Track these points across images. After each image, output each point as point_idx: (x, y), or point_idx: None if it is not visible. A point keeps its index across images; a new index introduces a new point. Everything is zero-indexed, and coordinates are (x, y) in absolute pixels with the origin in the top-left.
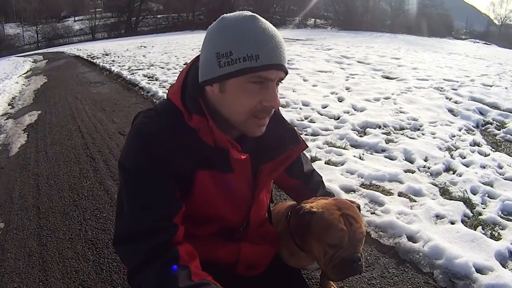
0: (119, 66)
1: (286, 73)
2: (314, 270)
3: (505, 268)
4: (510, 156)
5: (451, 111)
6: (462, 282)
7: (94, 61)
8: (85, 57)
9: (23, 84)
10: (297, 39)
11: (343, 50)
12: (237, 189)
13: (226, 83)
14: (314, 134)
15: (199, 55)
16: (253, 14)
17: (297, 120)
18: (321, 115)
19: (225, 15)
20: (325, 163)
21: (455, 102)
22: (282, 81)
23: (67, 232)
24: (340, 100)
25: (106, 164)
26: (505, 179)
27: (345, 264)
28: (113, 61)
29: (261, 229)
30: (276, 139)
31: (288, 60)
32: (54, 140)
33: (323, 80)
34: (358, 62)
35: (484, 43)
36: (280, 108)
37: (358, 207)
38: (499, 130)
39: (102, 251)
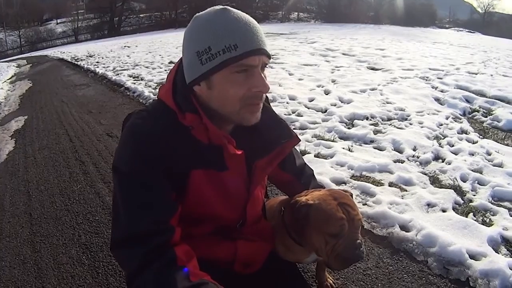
0: (104, 67)
1: (269, 56)
2: (310, 262)
3: (498, 253)
4: (498, 142)
5: (437, 100)
6: (456, 269)
7: (78, 63)
8: (69, 60)
9: (8, 90)
10: (280, 33)
11: (328, 43)
12: (232, 186)
13: (212, 79)
14: (302, 127)
15: None
16: (223, 6)
17: (285, 114)
18: (308, 108)
19: (197, 14)
20: (315, 156)
21: (441, 91)
22: (268, 65)
23: (61, 238)
24: (327, 93)
25: (96, 166)
26: (494, 166)
27: (348, 252)
28: (97, 62)
29: (257, 226)
30: (269, 134)
31: (273, 55)
32: (42, 145)
33: (309, 74)
34: (343, 54)
35: (468, 31)
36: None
37: (351, 195)
38: (486, 117)
39: (97, 254)
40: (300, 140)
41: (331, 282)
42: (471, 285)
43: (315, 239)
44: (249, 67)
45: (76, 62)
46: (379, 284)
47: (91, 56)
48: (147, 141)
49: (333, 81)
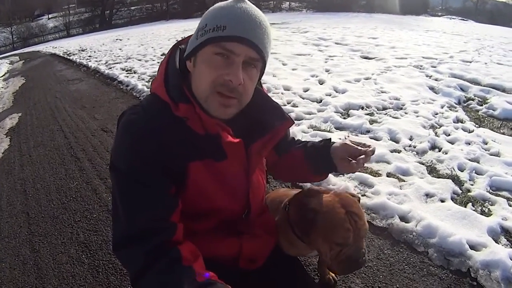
0: (96, 61)
1: (260, 54)
2: (313, 256)
3: (498, 243)
4: (494, 131)
5: (432, 88)
6: (457, 259)
7: (71, 58)
8: (61, 55)
9: (1, 87)
10: (272, 23)
11: (320, 32)
12: (232, 175)
13: (197, 56)
14: (298, 118)
15: (175, 44)
16: None
17: (280, 105)
18: (303, 99)
19: None
20: None
21: (436, 80)
22: (255, 66)
23: (59, 237)
24: (321, 82)
25: (91, 162)
26: (490, 155)
27: (351, 260)
28: (89, 56)
29: (261, 218)
30: (263, 116)
31: None
32: (37, 142)
33: (302, 63)
34: (336, 43)
35: (461, 19)
36: None
37: (359, 200)
38: (481, 105)
39: (96, 253)
40: (294, 123)
41: (333, 275)
42: (472, 276)
43: (320, 244)
44: (229, 53)
45: (68, 57)
46: (381, 276)
47: (83, 50)
48: (142, 137)
49: (327, 70)
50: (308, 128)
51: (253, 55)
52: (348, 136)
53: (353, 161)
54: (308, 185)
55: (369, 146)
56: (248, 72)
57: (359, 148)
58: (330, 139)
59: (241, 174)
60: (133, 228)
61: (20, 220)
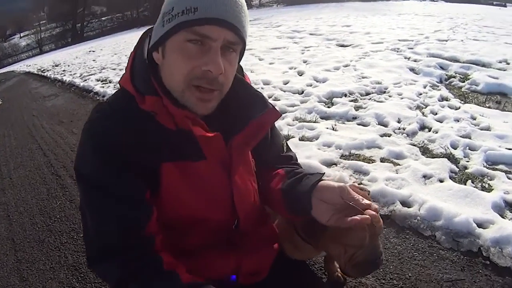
0: (71, 75)
1: (240, 36)
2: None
3: (504, 218)
4: (480, 106)
5: (412, 70)
6: (466, 240)
7: (45, 74)
8: (35, 72)
9: None
10: None
11: (293, 25)
12: (211, 178)
13: (166, 45)
14: (282, 111)
15: (144, 33)
16: None
17: None
18: (284, 91)
19: None
20: (300, 139)
21: (415, 61)
22: (235, 48)
23: (47, 262)
24: (300, 74)
25: (73, 179)
26: (481, 130)
27: (368, 261)
28: (63, 71)
29: (262, 230)
30: (243, 107)
31: None
32: (16, 163)
33: (279, 57)
34: (310, 34)
35: (431, 1)
36: None
37: (369, 193)
38: (464, 82)
39: (87, 276)
40: (280, 115)
41: (341, 272)
42: (484, 255)
43: (332, 248)
44: (205, 38)
45: (42, 74)
46: (391, 267)
47: (57, 66)
48: (106, 138)
49: (305, 61)
50: (293, 120)
51: (232, 38)
52: (359, 184)
53: (339, 215)
54: None
55: (374, 210)
56: (228, 58)
57: (361, 201)
58: (323, 173)
59: (222, 177)
60: (103, 242)
61: (6, 248)
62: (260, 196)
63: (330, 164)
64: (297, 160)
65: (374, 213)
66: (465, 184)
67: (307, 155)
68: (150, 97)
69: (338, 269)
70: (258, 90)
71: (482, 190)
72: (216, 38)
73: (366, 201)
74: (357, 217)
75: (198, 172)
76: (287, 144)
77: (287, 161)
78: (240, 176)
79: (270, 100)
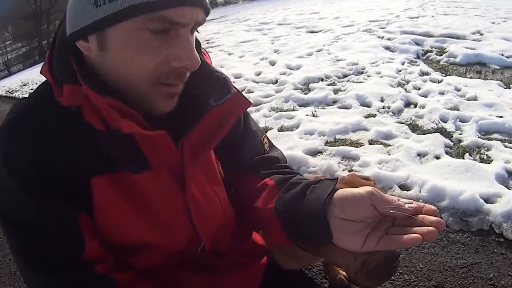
0: None
1: (207, 12)
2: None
3: (511, 190)
4: (462, 77)
5: (387, 48)
6: (476, 218)
7: (13, 95)
8: (4, 94)
9: None
10: (210, 20)
11: (260, 18)
12: (161, 193)
13: (107, 34)
14: (256, 103)
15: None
16: None
17: None
18: (257, 83)
19: None
20: (279, 130)
21: (389, 39)
22: (198, 30)
23: None
24: (272, 63)
25: None
26: (468, 100)
27: (384, 267)
28: (31, 89)
29: (242, 245)
30: (199, 95)
31: (207, 40)
32: None
33: (249, 49)
34: (279, 24)
35: None
36: None
37: (374, 183)
38: (441, 55)
39: None
40: (250, 103)
41: (344, 274)
42: (496, 232)
43: (339, 256)
44: (173, 25)
45: (11, 95)
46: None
47: (25, 85)
48: (17, 150)
49: (276, 51)
50: (270, 111)
51: (202, 17)
52: (350, 171)
53: (378, 234)
54: None
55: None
56: (193, 39)
57: (403, 205)
58: (337, 179)
59: (173, 190)
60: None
61: None
62: (241, 210)
63: (315, 153)
64: (285, 162)
65: (434, 218)
66: (463, 158)
67: (289, 146)
68: (68, 86)
69: (340, 271)
70: (220, 71)
71: (482, 162)
72: (188, 22)
73: (407, 202)
74: (415, 235)
75: (140, 186)
76: (269, 141)
77: (271, 164)
78: (199, 187)
79: (243, 93)
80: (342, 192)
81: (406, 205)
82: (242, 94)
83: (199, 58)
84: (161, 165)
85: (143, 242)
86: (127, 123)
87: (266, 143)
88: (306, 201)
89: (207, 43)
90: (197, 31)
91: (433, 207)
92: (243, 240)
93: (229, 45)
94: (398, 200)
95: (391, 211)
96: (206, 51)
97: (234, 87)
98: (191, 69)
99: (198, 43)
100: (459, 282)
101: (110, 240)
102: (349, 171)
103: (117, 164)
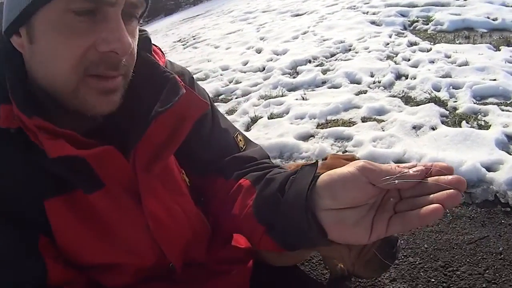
0: None
1: None
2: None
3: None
4: (451, 43)
5: (373, 22)
6: (479, 189)
7: None
8: None
9: None
10: (196, 15)
11: (244, 8)
12: (116, 211)
13: (34, 23)
14: (245, 93)
15: None
16: None
17: (222, 87)
18: (245, 72)
19: None
20: (269, 118)
21: (374, 14)
22: (137, 13)
23: None
24: (259, 51)
25: None
26: (459, 66)
27: (382, 256)
28: None
29: (221, 253)
30: (146, 98)
31: (193, 36)
32: None
33: (235, 40)
34: (263, 12)
35: None
36: (200, 81)
37: (353, 158)
38: (428, 24)
39: None
40: (206, 104)
41: None
42: (502, 201)
43: (332, 249)
44: (98, 3)
45: None
46: (402, 242)
47: None
48: None
49: (262, 38)
50: (259, 99)
51: None
52: (344, 153)
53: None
54: None
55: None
56: (129, 27)
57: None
58: (316, 163)
59: (130, 208)
60: None
61: None
62: (218, 219)
63: (307, 137)
64: (266, 157)
65: (451, 176)
66: (460, 126)
67: (280, 133)
68: (4, 107)
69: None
70: (169, 71)
71: (480, 128)
72: (116, 1)
73: (411, 166)
74: (434, 205)
75: (96, 206)
76: (244, 138)
77: (246, 163)
78: (158, 201)
79: (231, 85)
80: (326, 177)
81: (410, 171)
82: (195, 94)
83: (131, 43)
84: (114, 182)
85: (108, 263)
86: (57, 145)
87: (240, 140)
88: (286, 199)
89: (194, 39)
90: (139, 21)
91: (445, 163)
92: (221, 247)
93: (215, 38)
94: (399, 166)
95: (395, 182)
96: (160, 50)
97: (187, 87)
98: (122, 53)
99: (147, 40)
100: (468, 260)
101: (75, 261)
102: (342, 153)
103: (67, 183)
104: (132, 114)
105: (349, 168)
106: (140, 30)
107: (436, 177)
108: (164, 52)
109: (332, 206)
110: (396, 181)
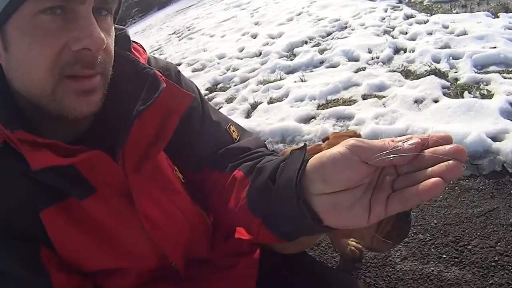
0: None
1: None
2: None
3: None
4: (448, 14)
5: None
6: (486, 160)
7: None
8: None
9: None
10: (190, 6)
11: None
12: (110, 216)
13: (7, 31)
14: (243, 80)
15: None
16: None
17: (220, 75)
18: (242, 59)
19: None
20: (268, 103)
21: None
22: (110, 8)
23: None
24: (254, 36)
25: None
26: (458, 36)
27: (399, 226)
28: None
29: (225, 247)
30: (127, 96)
31: (188, 27)
32: None
33: (230, 28)
34: None
35: None
36: (197, 72)
37: (359, 135)
38: None
39: None
40: (191, 96)
41: (354, 244)
42: (510, 171)
43: (349, 231)
44: (68, 2)
45: None
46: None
47: None
48: None
49: (256, 23)
50: (257, 85)
51: None
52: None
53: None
54: None
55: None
56: (103, 24)
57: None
58: (305, 146)
59: (124, 211)
60: None
61: None
62: (217, 214)
63: (308, 119)
64: (262, 146)
65: (449, 146)
66: (463, 97)
67: (281, 117)
68: None
69: (350, 242)
70: (150, 67)
71: (483, 98)
72: None
73: (406, 139)
74: (433, 179)
75: (90, 212)
76: (238, 128)
77: (240, 153)
78: (152, 201)
79: (229, 73)
80: (315, 160)
81: (405, 144)
82: (177, 87)
83: (103, 38)
84: (106, 185)
85: (110, 268)
86: (40, 156)
87: (234, 131)
88: (277, 188)
89: (188, 30)
90: (115, 18)
91: (442, 133)
92: (224, 241)
93: (209, 28)
94: (392, 141)
95: (390, 158)
96: (142, 47)
97: (168, 81)
98: (94, 49)
99: (127, 38)
100: (478, 233)
101: (77, 268)
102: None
103: (60, 192)
104: (117, 114)
105: (338, 148)
106: (118, 29)
107: (434, 148)
108: (145, 49)
109: (325, 190)
110: (391, 157)
